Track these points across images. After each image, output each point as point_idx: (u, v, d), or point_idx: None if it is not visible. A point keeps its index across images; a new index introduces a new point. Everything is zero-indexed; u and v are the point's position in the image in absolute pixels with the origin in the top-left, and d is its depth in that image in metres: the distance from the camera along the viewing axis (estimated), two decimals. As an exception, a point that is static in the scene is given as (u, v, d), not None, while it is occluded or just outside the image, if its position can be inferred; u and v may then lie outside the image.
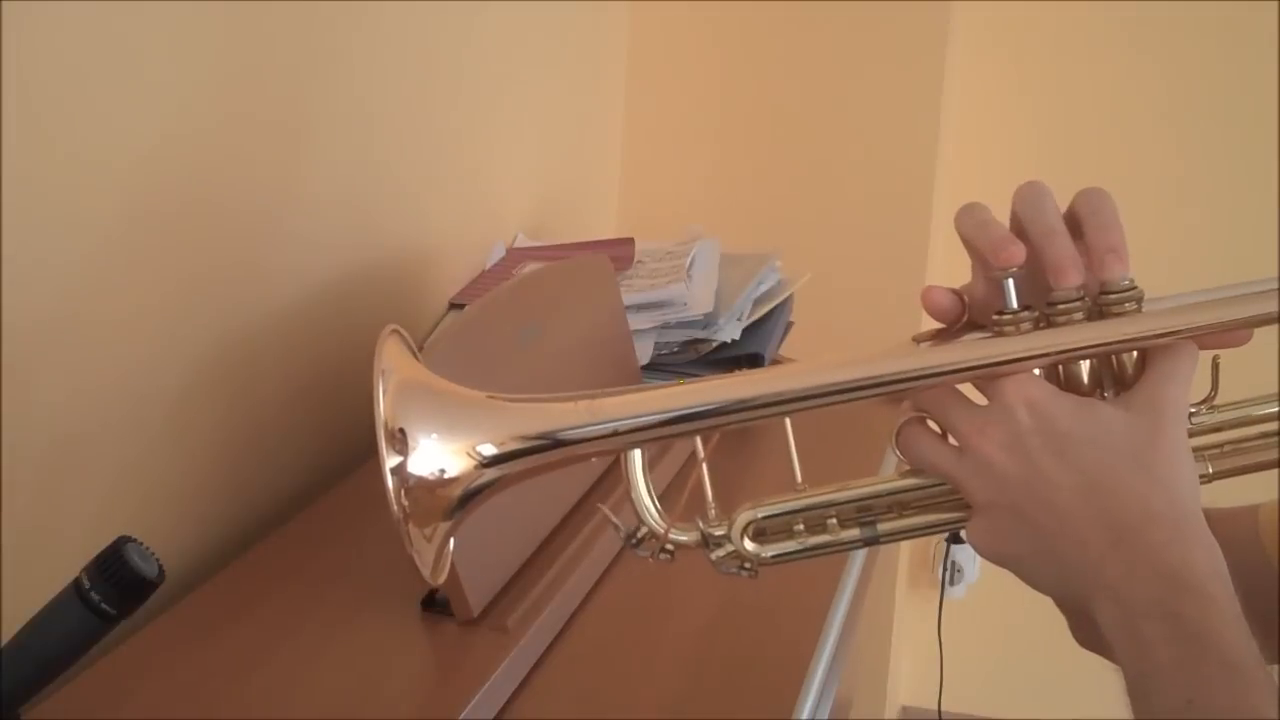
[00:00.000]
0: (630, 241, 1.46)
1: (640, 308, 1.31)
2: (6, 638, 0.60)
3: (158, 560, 0.60)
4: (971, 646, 2.26)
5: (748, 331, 1.36)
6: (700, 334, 1.32)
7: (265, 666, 0.84)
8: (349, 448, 1.18)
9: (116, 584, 0.59)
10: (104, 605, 0.59)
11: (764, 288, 1.44)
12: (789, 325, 1.47)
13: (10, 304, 0.82)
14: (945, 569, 2.21)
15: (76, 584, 0.59)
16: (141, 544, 0.60)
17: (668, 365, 1.32)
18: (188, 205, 0.99)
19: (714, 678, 0.90)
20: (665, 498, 0.68)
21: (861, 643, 1.16)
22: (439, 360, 0.91)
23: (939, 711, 2.22)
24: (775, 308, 1.42)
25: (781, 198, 2.04)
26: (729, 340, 1.32)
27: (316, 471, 1.16)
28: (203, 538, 1.03)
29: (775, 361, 1.41)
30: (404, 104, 1.31)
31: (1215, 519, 0.62)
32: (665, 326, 1.32)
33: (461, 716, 0.79)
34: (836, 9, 1.97)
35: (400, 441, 0.63)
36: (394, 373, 0.65)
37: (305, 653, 0.86)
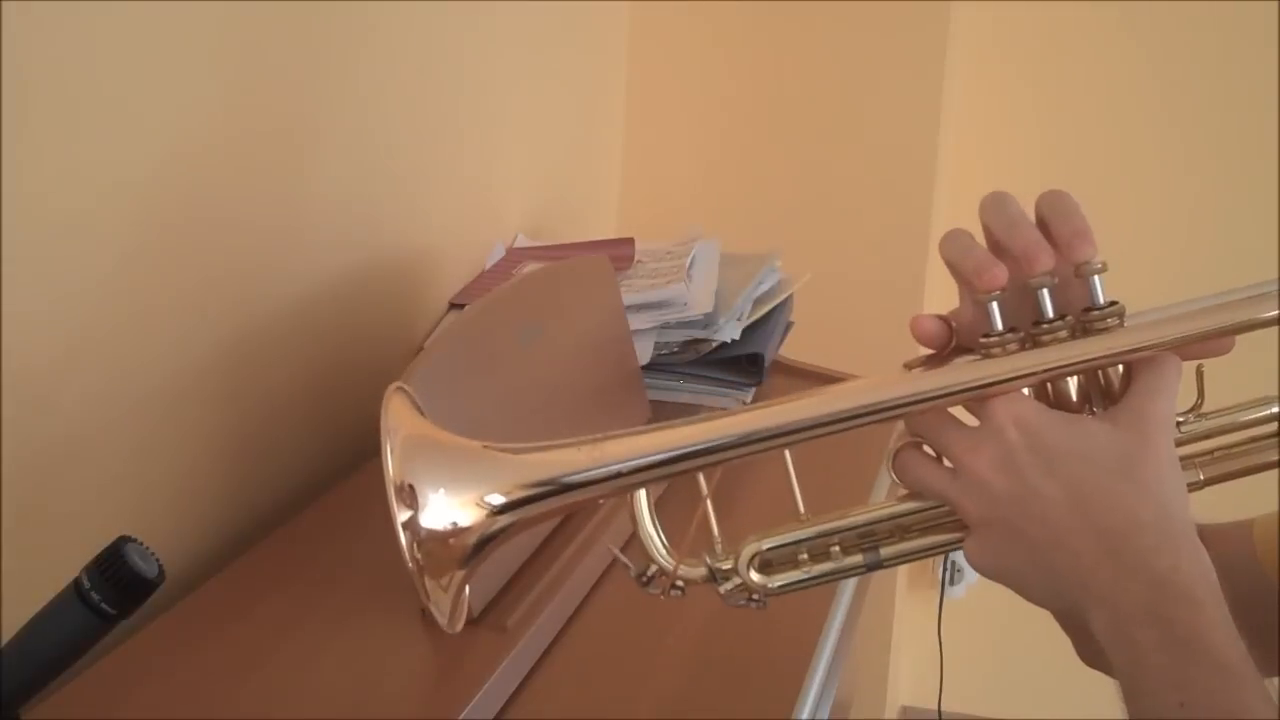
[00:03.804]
0: (630, 241, 1.46)
1: (640, 308, 1.31)
2: (6, 638, 0.60)
3: (158, 560, 0.60)
4: (971, 646, 2.26)
5: (748, 331, 1.36)
6: (700, 334, 1.32)
7: (265, 666, 0.84)
8: (349, 448, 1.18)
9: (116, 584, 0.59)
10: (104, 605, 0.59)
11: (764, 288, 1.44)
12: (789, 325, 1.47)
13: (12, 306, 0.82)
14: (945, 569, 2.21)
15: (76, 584, 0.59)
16: (141, 544, 0.60)
17: (668, 365, 1.32)
18: (187, 208, 0.99)
19: (714, 678, 0.90)
20: (662, 518, 0.70)
21: (861, 643, 1.16)
22: (439, 361, 0.91)
23: (939, 711, 2.22)
24: (775, 308, 1.42)
25: (781, 198, 2.04)
26: (729, 340, 1.32)
27: (316, 471, 1.16)
28: (203, 538, 1.03)
29: (776, 362, 1.41)
30: (404, 104, 1.31)
31: (1209, 536, 0.63)
32: (665, 326, 1.32)
33: (461, 716, 0.79)
34: (836, 9, 1.97)
35: (410, 497, 0.65)
36: (399, 430, 0.67)
37: (305, 653, 0.86)
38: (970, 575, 2.23)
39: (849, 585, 1.04)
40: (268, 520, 1.08)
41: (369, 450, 1.13)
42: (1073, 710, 1.83)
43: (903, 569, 2.24)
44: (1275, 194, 1.99)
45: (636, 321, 1.29)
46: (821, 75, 2.00)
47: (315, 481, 1.15)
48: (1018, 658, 2.27)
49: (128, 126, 0.92)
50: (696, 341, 1.32)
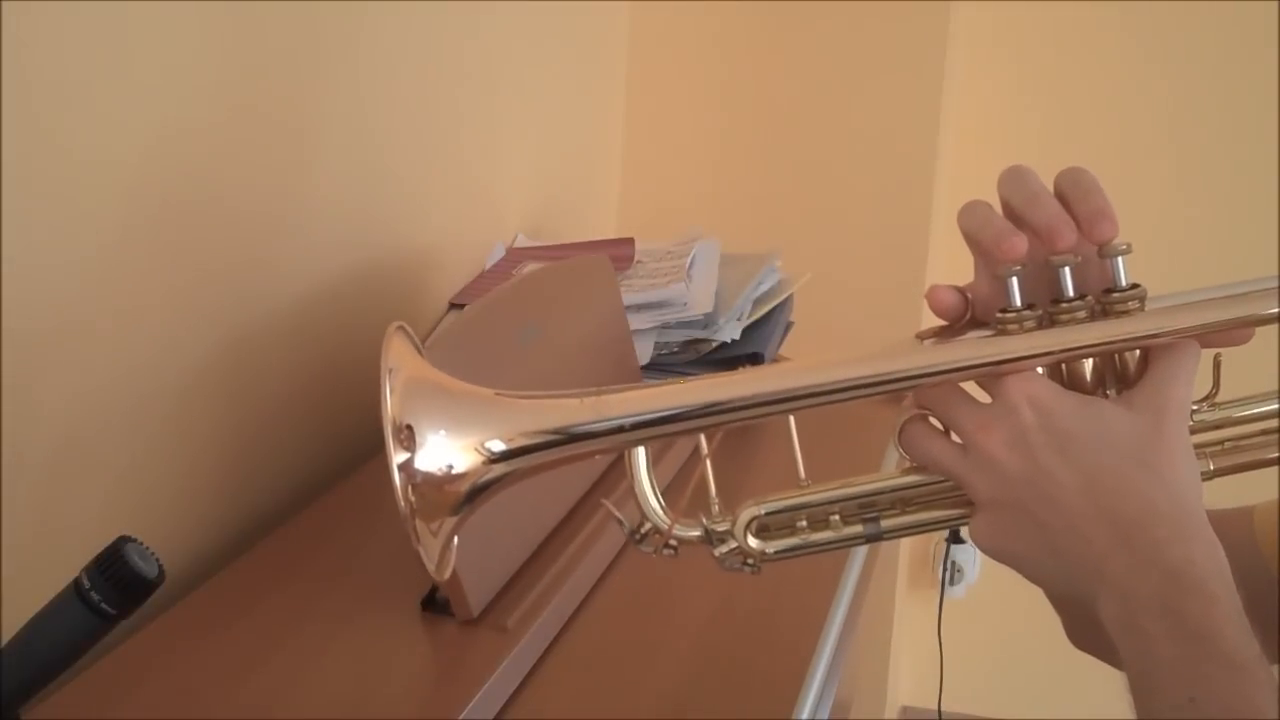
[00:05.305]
0: (630, 241, 1.46)
1: (640, 308, 1.31)
2: (6, 638, 0.60)
3: (158, 560, 0.60)
4: (971, 646, 2.26)
5: (748, 331, 1.36)
6: (700, 334, 1.32)
7: (265, 666, 0.84)
8: (349, 447, 1.18)
9: (116, 584, 0.59)
10: (104, 605, 0.59)
11: (764, 288, 1.44)
12: (789, 325, 1.47)
13: (11, 304, 0.82)
14: (945, 569, 2.21)
15: (76, 584, 0.59)
16: (141, 544, 0.60)
17: (668, 365, 1.32)
18: (187, 206, 0.99)
19: (714, 678, 0.90)
20: (668, 494, 0.69)
21: (861, 643, 1.16)
22: (439, 361, 0.91)
23: (939, 711, 2.22)
24: (775, 308, 1.42)
25: (781, 198, 2.04)
26: (729, 340, 1.32)
27: (316, 471, 1.16)
28: (203, 538, 1.03)
29: (776, 361, 1.41)
30: (404, 104, 1.31)
31: (1210, 521, 0.62)
32: (665, 326, 1.32)
33: (461, 716, 0.79)
34: (837, 9, 1.97)
35: (408, 438, 0.63)
36: (401, 370, 0.65)
37: (305, 653, 0.86)
38: (970, 575, 2.23)
39: (849, 584, 1.04)
40: (268, 520, 1.08)
41: (369, 450, 1.13)
42: (1072, 710, 1.83)
43: (903, 569, 2.25)
44: (1275, 195, 1.99)
45: (636, 321, 1.29)
46: (821, 75, 2.00)
47: (315, 481, 1.15)
48: (1018, 658, 2.28)
49: (121, 120, 0.91)
50: (696, 341, 1.32)
